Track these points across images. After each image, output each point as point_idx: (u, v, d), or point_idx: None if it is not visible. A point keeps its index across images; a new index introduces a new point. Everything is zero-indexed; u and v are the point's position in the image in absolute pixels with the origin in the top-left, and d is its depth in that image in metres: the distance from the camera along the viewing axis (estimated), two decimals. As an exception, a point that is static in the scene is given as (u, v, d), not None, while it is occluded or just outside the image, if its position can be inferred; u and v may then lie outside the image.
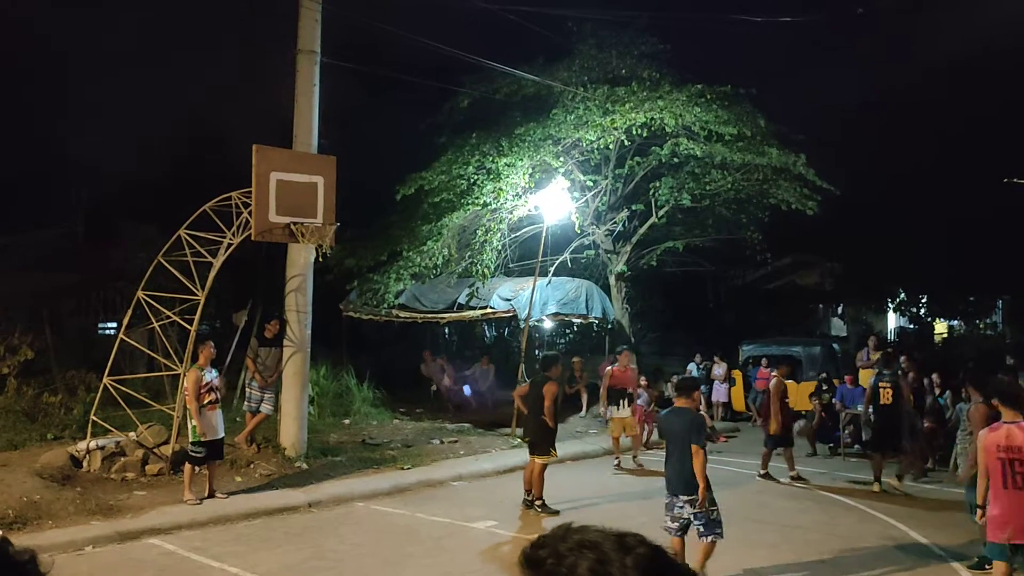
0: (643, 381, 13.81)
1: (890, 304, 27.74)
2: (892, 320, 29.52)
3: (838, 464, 12.96)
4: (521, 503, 9.62)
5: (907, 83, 22.45)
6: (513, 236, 16.00)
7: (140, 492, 9.60)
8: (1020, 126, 21.36)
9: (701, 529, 6.75)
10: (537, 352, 20.42)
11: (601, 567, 1.43)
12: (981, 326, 28.31)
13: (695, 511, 6.72)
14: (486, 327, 22.69)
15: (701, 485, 6.68)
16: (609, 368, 12.93)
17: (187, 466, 9.45)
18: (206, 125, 20.42)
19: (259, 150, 10.00)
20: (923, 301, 27.36)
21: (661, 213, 16.49)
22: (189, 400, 9.39)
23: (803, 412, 15.07)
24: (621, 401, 12.35)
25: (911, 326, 27.96)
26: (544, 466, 9.53)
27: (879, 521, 9.23)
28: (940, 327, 29.12)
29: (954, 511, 9.70)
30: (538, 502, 9.47)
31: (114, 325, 16.52)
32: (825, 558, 7.76)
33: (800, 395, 16.39)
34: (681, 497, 6.79)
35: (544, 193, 14.72)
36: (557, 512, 9.37)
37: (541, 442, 9.53)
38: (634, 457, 12.59)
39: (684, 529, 6.86)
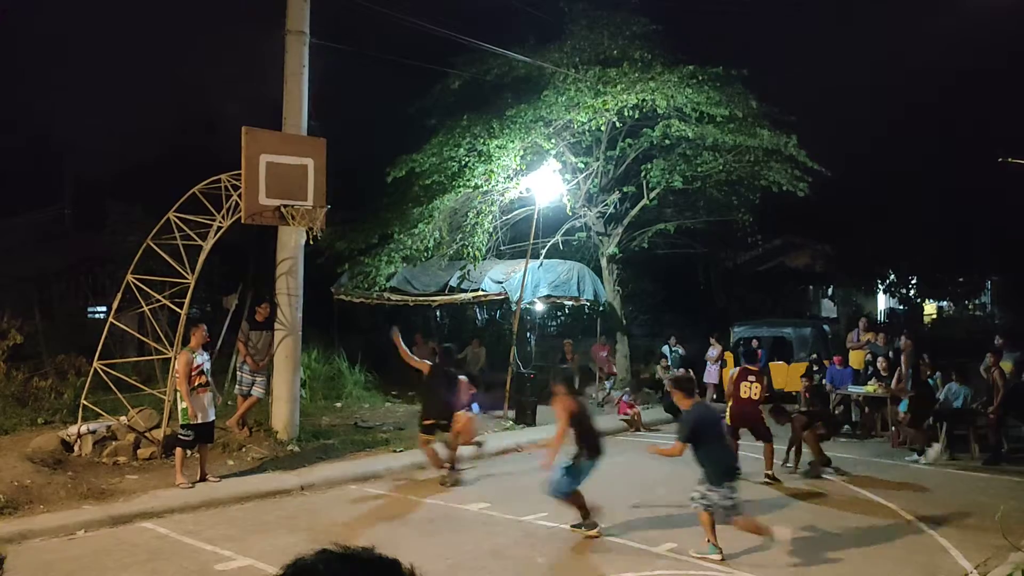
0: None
1: (880, 285, 27.84)
2: (882, 301, 29.65)
3: (827, 445, 13.00)
4: (448, 480, 9.84)
5: (899, 63, 22.42)
6: (504, 218, 15.97)
7: (132, 476, 9.58)
8: (1012, 106, 21.38)
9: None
10: (529, 335, 20.46)
11: None
12: (970, 307, 28.45)
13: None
14: (478, 310, 22.67)
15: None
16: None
17: (178, 450, 9.43)
18: (196, 107, 20.27)
19: (248, 132, 9.92)
20: (912, 282, 27.46)
21: (652, 195, 16.47)
22: (180, 382, 9.36)
23: (794, 393, 15.16)
24: None
25: (901, 307, 28.08)
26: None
27: (866, 500, 9.30)
28: (929, 308, 29.26)
29: (942, 489, 9.80)
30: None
31: (104, 309, 16.44)
32: (814, 537, 7.82)
33: (792, 376, 16.52)
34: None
35: (535, 175, 14.67)
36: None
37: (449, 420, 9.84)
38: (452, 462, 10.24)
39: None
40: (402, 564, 1.53)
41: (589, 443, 7.72)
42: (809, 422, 10.95)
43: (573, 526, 7.83)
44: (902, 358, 12.62)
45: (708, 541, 7.14)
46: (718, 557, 7.07)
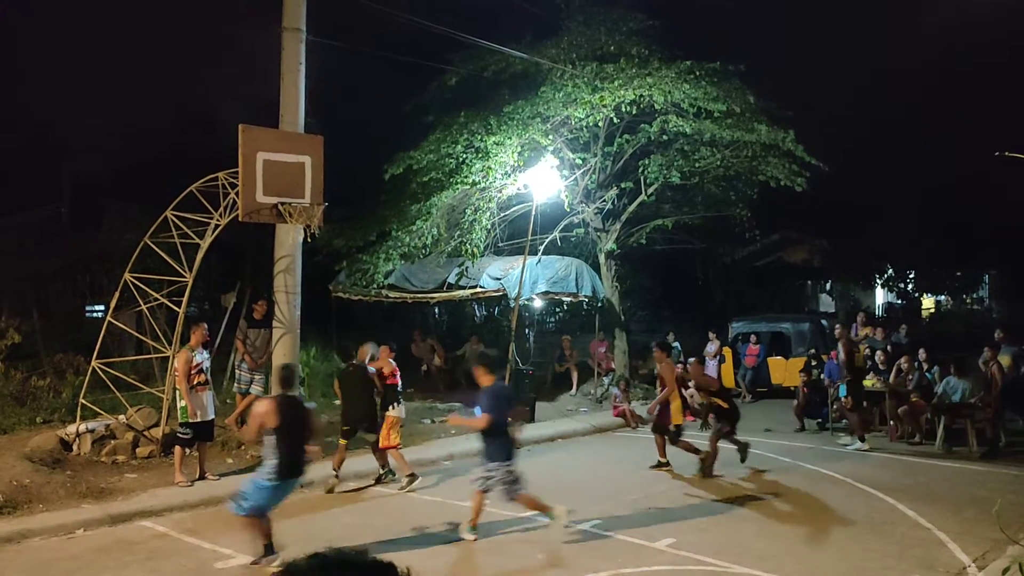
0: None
1: (878, 280, 27.88)
2: (880, 296, 29.69)
3: (826, 439, 13.05)
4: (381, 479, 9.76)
5: (896, 55, 22.43)
6: (502, 215, 15.95)
7: (131, 475, 9.58)
8: (1009, 99, 21.40)
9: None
10: (527, 331, 20.46)
11: None
12: (968, 301, 28.50)
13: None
14: (476, 306, 22.66)
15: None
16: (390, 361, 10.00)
17: (178, 448, 9.44)
18: (192, 105, 20.26)
19: (245, 130, 9.90)
20: (910, 276, 27.50)
21: (650, 191, 16.47)
22: (179, 381, 9.36)
23: (792, 388, 15.19)
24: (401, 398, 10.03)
25: (899, 302, 28.12)
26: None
27: (865, 494, 9.31)
28: (927, 302, 29.30)
29: (939, 483, 9.81)
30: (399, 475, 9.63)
31: (102, 308, 16.44)
32: (812, 532, 7.83)
33: (790, 371, 16.54)
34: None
35: (533, 171, 14.66)
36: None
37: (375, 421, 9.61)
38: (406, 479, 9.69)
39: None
40: (398, 569, 1.50)
41: (288, 458, 6.71)
42: (721, 393, 10.97)
43: (252, 562, 6.76)
44: (839, 345, 12.90)
45: (471, 522, 7.49)
46: (473, 538, 7.42)
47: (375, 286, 15.87)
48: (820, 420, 14.01)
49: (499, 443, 7.40)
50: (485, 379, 7.65)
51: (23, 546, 7.41)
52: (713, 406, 10.78)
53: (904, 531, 7.83)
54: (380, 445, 9.59)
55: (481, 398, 7.62)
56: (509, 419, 7.67)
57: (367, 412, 9.62)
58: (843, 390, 12.67)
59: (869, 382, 13.58)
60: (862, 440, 12.12)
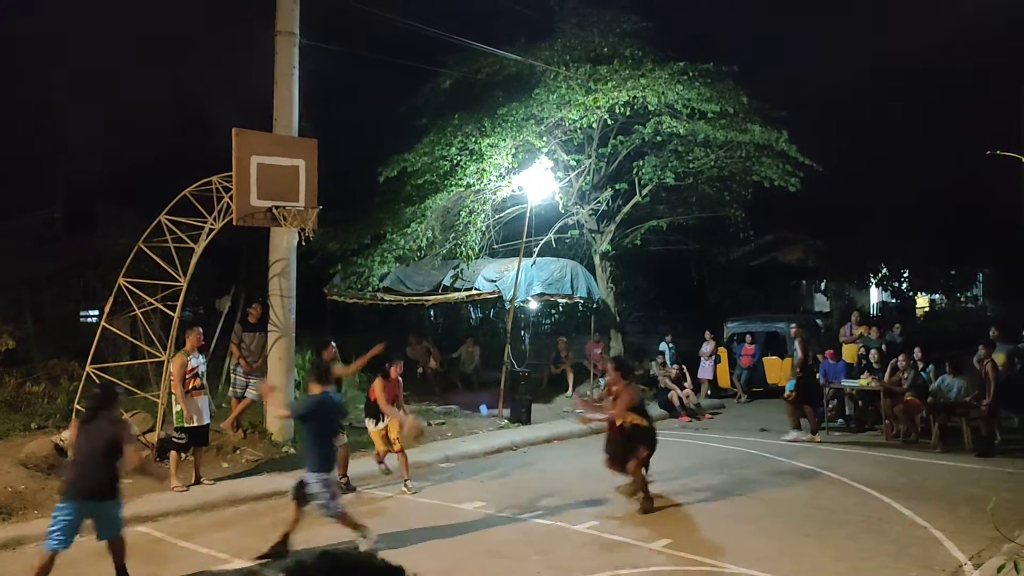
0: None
1: (872, 279, 27.94)
2: (875, 295, 29.75)
3: (821, 438, 13.06)
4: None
5: (890, 55, 22.51)
6: (497, 217, 15.95)
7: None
8: (1001, 98, 21.49)
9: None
10: (523, 333, 20.47)
11: None
12: (962, 299, 28.58)
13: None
14: (471, 309, 22.66)
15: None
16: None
17: (173, 453, 9.42)
18: (186, 109, 20.23)
19: (239, 133, 9.90)
20: (905, 276, 27.57)
21: (645, 192, 16.49)
22: (175, 385, 9.34)
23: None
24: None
25: (894, 301, 28.19)
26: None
27: (861, 493, 9.34)
28: (922, 301, 29.38)
29: (935, 481, 9.84)
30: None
31: (96, 313, 16.38)
32: (809, 531, 7.84)
33: (785, 371, 16.56)
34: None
35: (527, 173, 14.67)
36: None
37: None
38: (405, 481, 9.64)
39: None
40: (405, 571, 1.48)
41: (75, 478, 6.29)
42: (640, 408, 9.13)
43: None
44: (796, 344, 13.23)
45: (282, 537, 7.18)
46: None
47: (370, 289, 15.85)
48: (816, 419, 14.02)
49: (316, 453, 7.23)
50: (314, 388, 7.51)
51: (18, 552, 7.39)
52: (631, 423, 8.82)
53: (900, 530, 7.85)
54: (396, 448, 9.52)
55: (303, 401, 7.60)
56: (335, 432, 7.59)
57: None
58: (791, 384, 13.10)
59: (864, 381, 13.63)
60: (793, 429, 12.83)
